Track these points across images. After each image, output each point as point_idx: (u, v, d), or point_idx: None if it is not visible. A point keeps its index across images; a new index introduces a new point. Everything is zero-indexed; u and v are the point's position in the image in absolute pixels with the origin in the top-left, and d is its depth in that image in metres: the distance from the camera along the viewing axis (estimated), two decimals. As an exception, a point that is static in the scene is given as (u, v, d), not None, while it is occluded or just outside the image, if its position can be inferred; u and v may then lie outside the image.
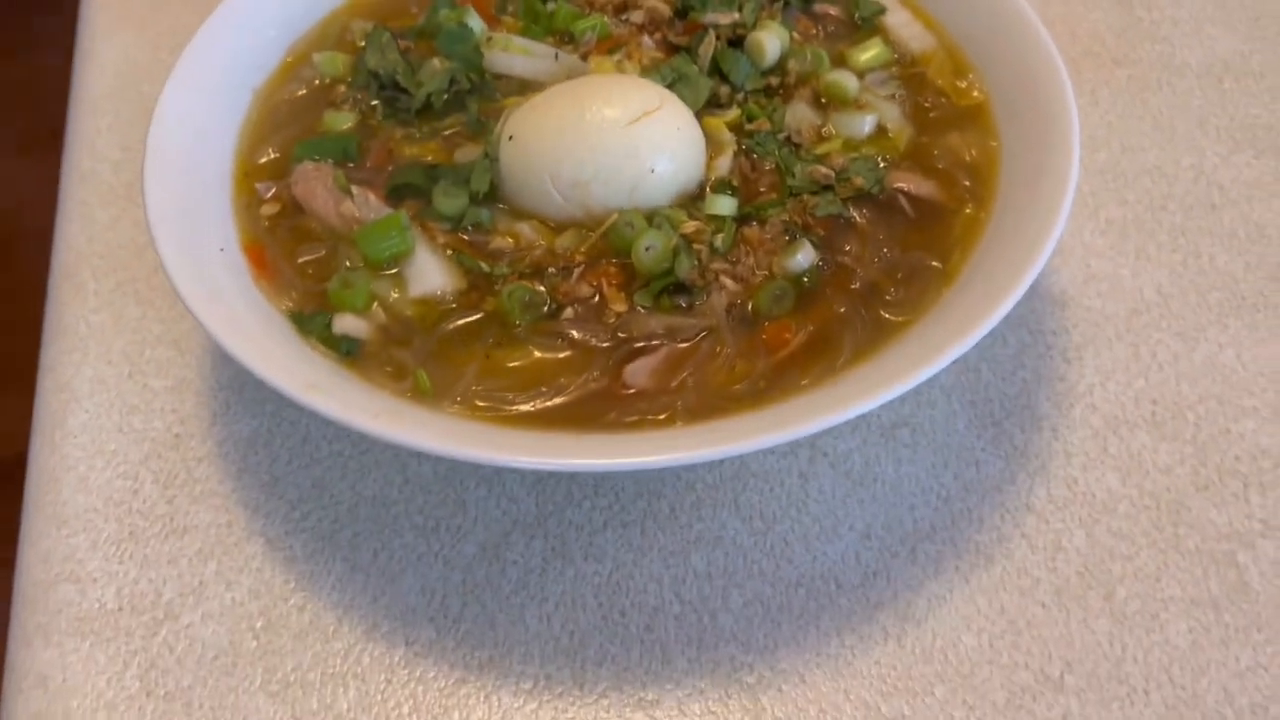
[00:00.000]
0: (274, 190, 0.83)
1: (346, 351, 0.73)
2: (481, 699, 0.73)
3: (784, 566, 0.78)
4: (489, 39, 0.88)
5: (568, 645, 0.75)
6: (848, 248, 0.78)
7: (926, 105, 0.87)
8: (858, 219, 0.79)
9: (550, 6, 0.92)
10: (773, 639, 0.75)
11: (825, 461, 0.83)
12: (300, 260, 0.79)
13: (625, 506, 0.81)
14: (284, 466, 0.84)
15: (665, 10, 0.91)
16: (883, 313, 0.75)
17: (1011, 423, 0.85)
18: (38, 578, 0.79)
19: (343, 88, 0.89)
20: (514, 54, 0.87)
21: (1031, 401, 0.86)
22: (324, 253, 0.79)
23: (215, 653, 0.75)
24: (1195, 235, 0.96)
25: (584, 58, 0.88)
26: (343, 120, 0.87)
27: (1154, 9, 1.16)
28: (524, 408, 0.70)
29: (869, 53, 0.89)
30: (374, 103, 0.88)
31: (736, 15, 0.89)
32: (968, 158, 0.82)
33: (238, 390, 0.88)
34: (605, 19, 0.90)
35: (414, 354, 0.73)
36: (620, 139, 0.76)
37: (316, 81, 0.90)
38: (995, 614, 0.75)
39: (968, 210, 0.79)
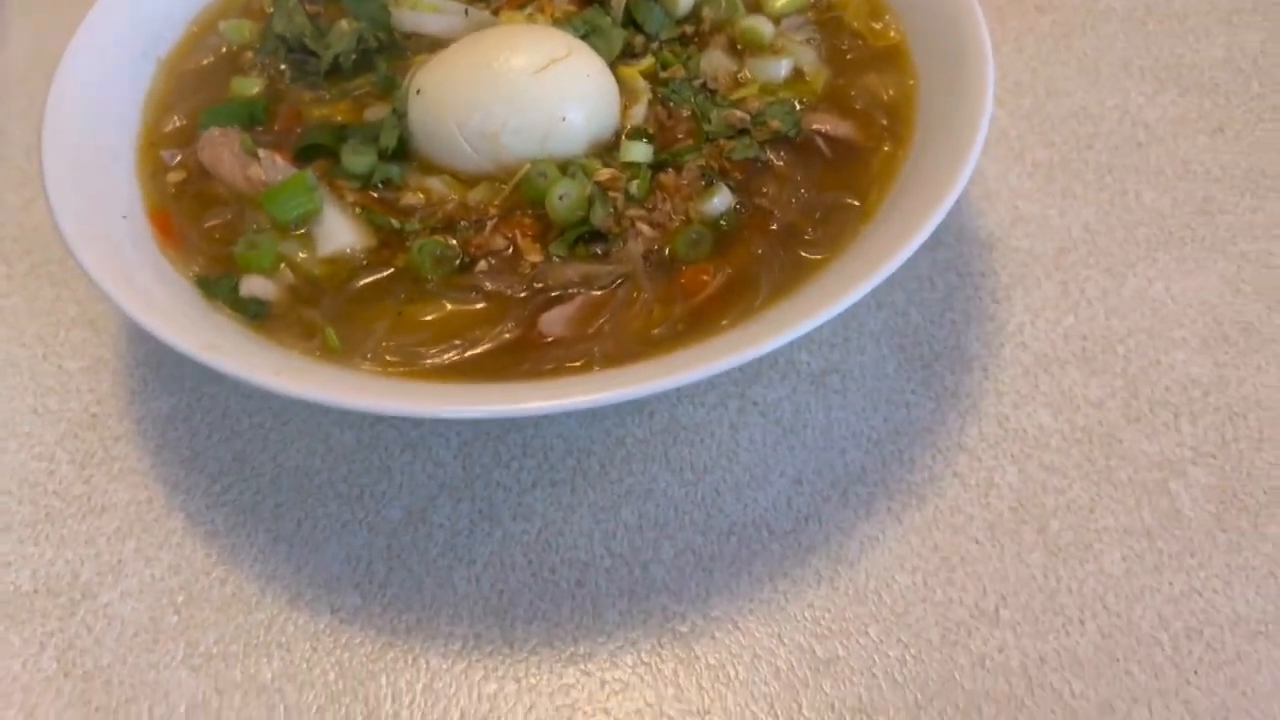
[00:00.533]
0: (179, 157, 0.81)
1: (254, 314, 0.72)
2: (409, 662, 0.71)
3: (715, 516, 0.77)
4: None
5: (497, 605, 0.74)
6: (765, 190, 0.77)
7: (843, 48, 0.86)
8: (775, 161, 0.78)
9: (460, -38, 0.91)
10: (705, 588, 0.73)
11: (755, 411, 0.82)
12: (207, 225, 0.77)
13: (554, 465, 0.79)
14: (204, 441, 0.82)
15: (577, -38, 0.90)
16: (801, 252, 0.74)
17: (941, 364, 0.84)
18: (-52, 563, 0.77)
19: (250, 54, 0.88)
20: (423, 12, 0.86)
21: (961, 343, 0.85)
22: (230, 217, 0.78)
23: (135, 629, 0.73)
24: (1122, 173, 0.96)
25: (495, 13, 0.87)
26: (250, 86, 0.85)
27: (1076, -45, 1.16)
28: (436, 361, 0.69)
29: (784, -2, 0.88)
30: (282, 67, 0.87)
31: (650, -35, 0.88)
32: (885, 97, 0.82)
33: (154, 368, 0.86)
34: (516, -27, 0.89)
35: (323, 313, 0.72)
36: (529, 87, 0.75)
37: (224, 49, 0.89)
38: (929, 552, 0.74)
39: (885, 148, 0.79)
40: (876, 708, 0.68)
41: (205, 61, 0.87)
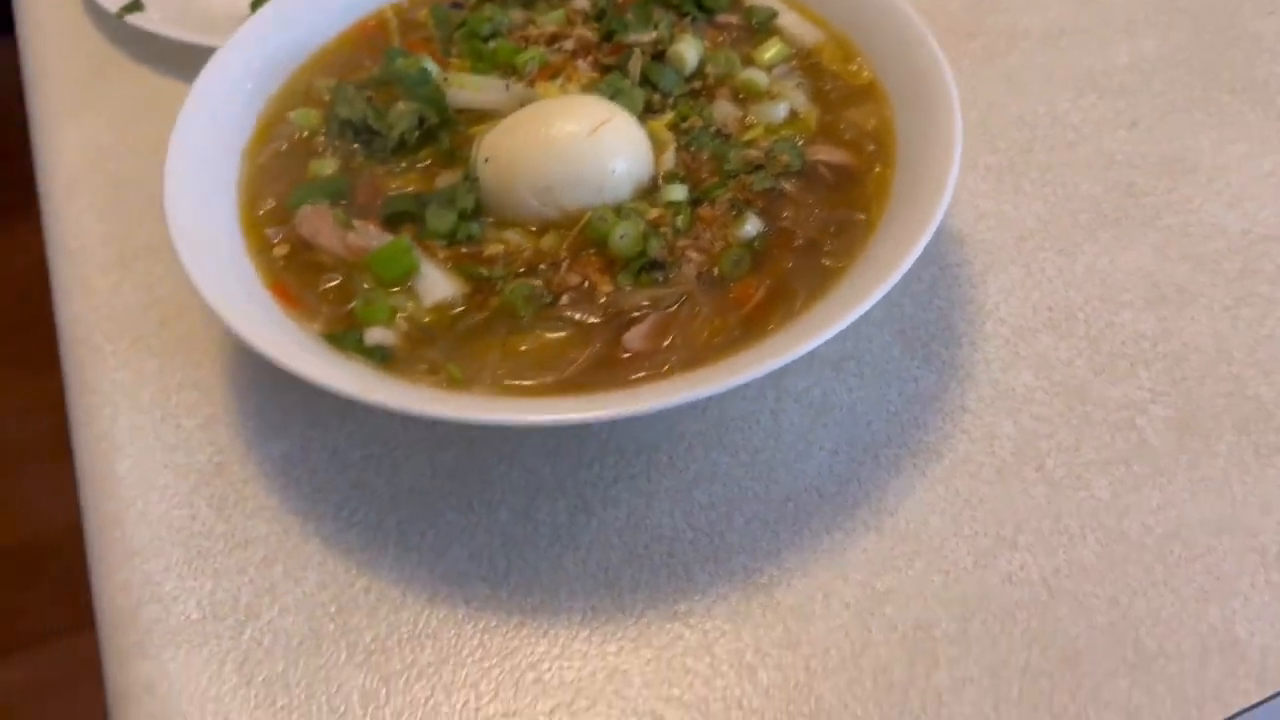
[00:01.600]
0: (281, 234, 0.94)
1: (382, 358, 0.85)
2: (541, 634, 0.85)
3: (772, 487, 0.92)
4: (445, 79, 1.00)
5: (604, 580, 0.87)
6: (785, 214, 0.92)
7: (826, 88, 1.02)
8: (789, 189, 0.94)
9: (491, 45, 1.05)
10: (775, 545, 0.88)
11: (790, 398, 0.97)
12: (321, 289, 0.90)
13: (629, 461, 0.94)
14: (322, 477, 0.94)
15: (592, 37, 1.04)
16: (823, 261, 0.89)
17: (937, 343, 1.00)
18: (121, 604, 0.88)
19: (320, 138, 1.01)
20: (470, 90, 0.99)
21: (950, 323, 1.01)
22: (340, 280, 0.91)
23: (299, 639, 0.86)
24: (1059, 169, 1.14)
25: (530, 85, 1.01)
26: (327, 166, 0.98)
27: (993, -15, 1.34)
28: (548, 380, 0.83)
29: (771, 51, 1.04)
30: (353, 147, 0.99)
31: (655, 33, 1.03)
32: (869, 126, 0.98)
33: (263, 418, 0.98)
34: (541, 50, 1.03)
35: (440, 351, 0.85)
36: (584, 148, 0.89)
37: (296, 136, 1.01)
38: (952, 496, 0.90)
39: (877, 169, 0.95)
40: (932, 622, 0.84)
41: (282, 148, 1.00)
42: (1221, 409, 0.94)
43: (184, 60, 1.24)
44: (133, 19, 1.28)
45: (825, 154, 0.96)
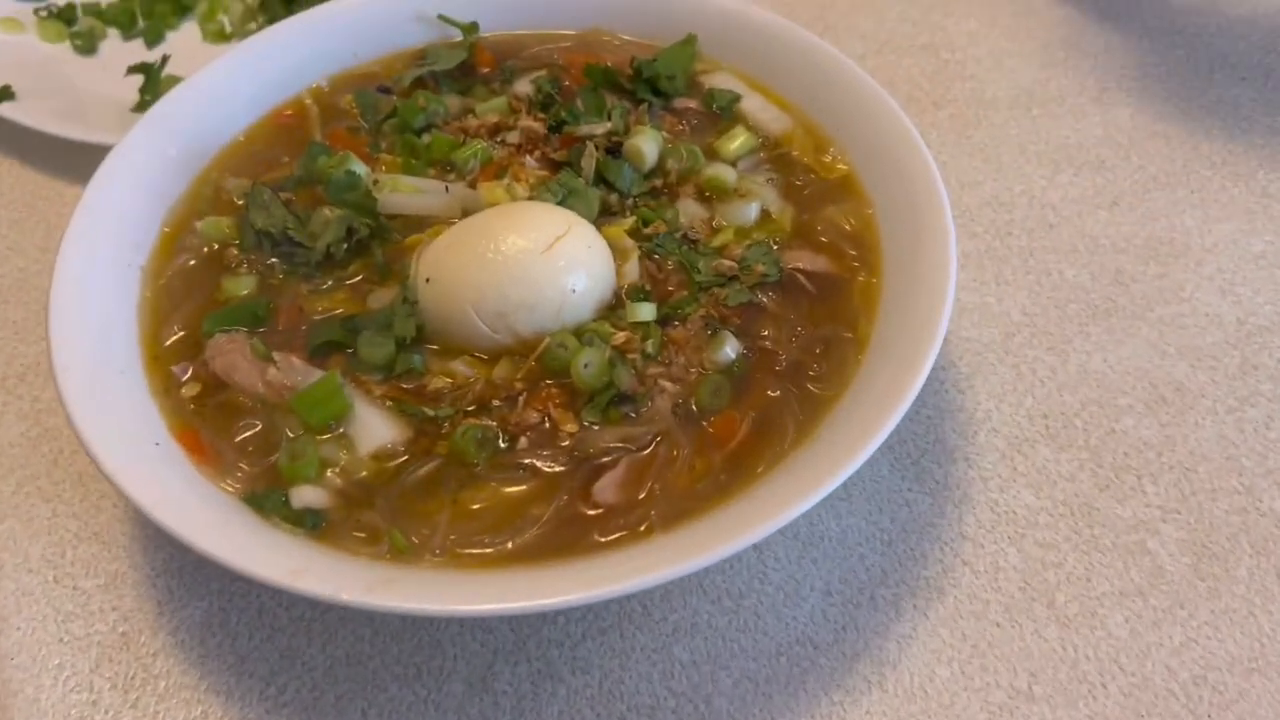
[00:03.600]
0: (190, 370, 0.81)
1: (313, 525, 0.73)
2: (508, 836, 0.74)
3: (761, 640, 0.82)
4: (375, 181, 0.89)
5: (577, 762, 0.77)
6: (765, 332, 0.83)
7: (799, 183, 0.93)
8: (767, 303, 0.84)
9: (425, 138, 0.94)
10: (768, 712, 0.78)
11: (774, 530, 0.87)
12: (238, 439, 0.78)
13: (599, 614, 0.83)
14: (246, 643, 0.82)
15: (539, 128, 0.94)
16: (811, 387, 0.80)
17: (928, 459, 0.92)
18: (8, 819, 0.75)
19: (233, 250, 0.88)
20: (405, 193, 0.88)
21: (940, 435, 0.93)
22: (260, 426, 0.79)
23: None
24: (1041, 255, 1.06)
25: (473, 185, 0.90)
26: (242, 285, 0.86)
27: (956, 50, 1.27)
28: (507, 546, 0.72)
29: (735, 141, 0.95)
30: (270, 261, 0.87)
31: (608, 124, 0.93)
32: (848, 227, 0.89)
33: (177, 575, 0.86)
34: (483, 144, 0.93)
35: (380, 513, 0.74)
36: (539, 266, 0.78)
37: (205, 249, 0.89)
38: (959, 642, 0.81)
39: (860, 278, 0.86)
40: (950, 801, 0.75)
41: (190, 263, 0.88)
42: (1237, 528, 0.87)
43: (72, 152, 1.11)
44: (3, 109, 1.14)
45: (804, 261, 0.87)
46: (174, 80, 1.14)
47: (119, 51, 1.30)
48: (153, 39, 1.32)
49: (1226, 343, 0.99)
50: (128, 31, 1.33)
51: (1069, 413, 0.94)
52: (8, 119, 1.13)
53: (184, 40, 1.32)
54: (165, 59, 1.22)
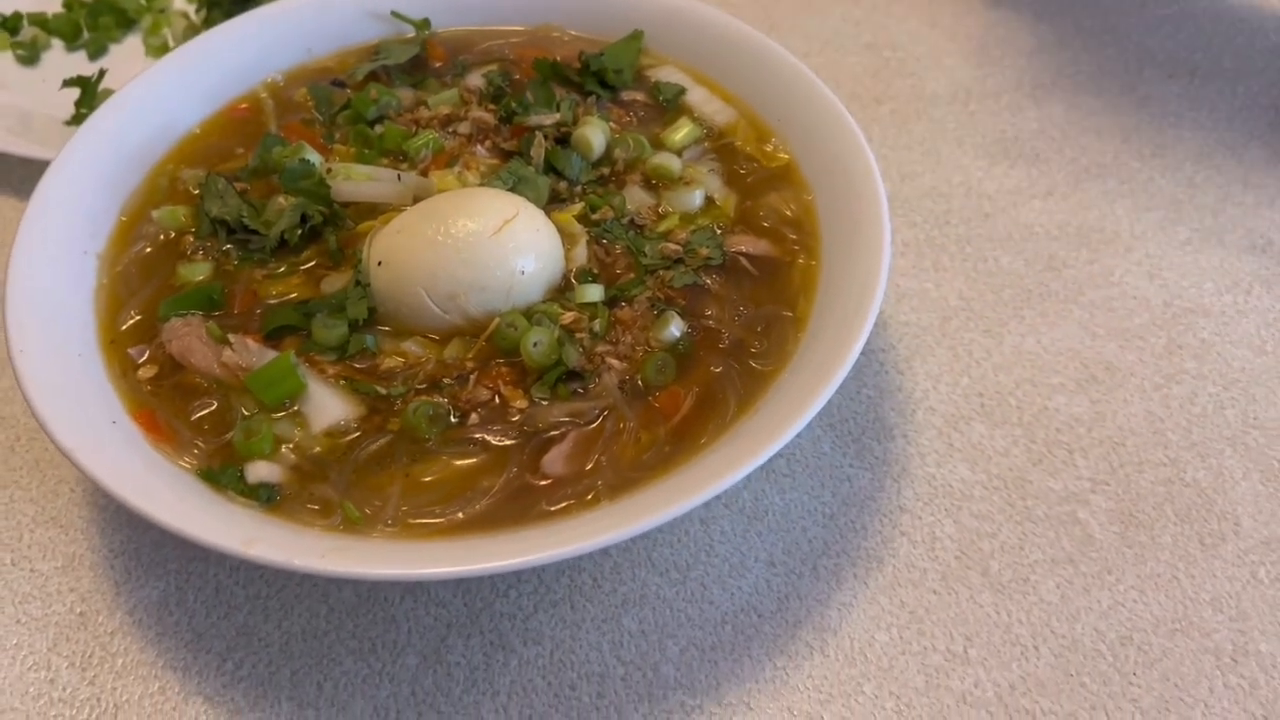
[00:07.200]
0: (147, 353, 0.83)
1: (267, 499, 0.75)
2: (461, 800, 0.76)
3: (707, 609, 0.84)
4: (328, 170, 0.91)
5: (529, 729, 0.79)
6: (709, 312, 0.86)
7: (742, 171, 0.96)
8: (711, 284, 0.87)
9: (378, 129, 0.96)
10: (713, 678, 0.81)
11: (719, 504, 0.90)
12: (194, 418, 0.80)
13: (550, 586, 0.86)
14: (204, 621, 0.84)
15: (490, 119, 0.97)
16: (752, 363, 0.83)
17: (868, 436, 0.95)
18: (-33, 794, 0.76)
19: (189, 238, 0.90)
20: (358, 181, 0.90)
21: (880, 414, 0.96)
22: (216, 405, 0.80)
23: (181, 822, 0.75)
24: (978, 243, 1.10)
25: (424, 174, 0.92)
26: (198, 271, 0.88)
27: (898, 49, 1.31)
28: (458, 516, 0.74)
29: (681, 132, 0.98)
30: (226, 248, 0.89)
31: (557, 115, 0.96)
32: (789, 213, 0.92)
33: (135, 555, 0.87)
34: (434, 134, 0.95)
35: (333, 487, 0.76)
36: (488, 249, 0.81)
37: (161, 237, 0.90)
38: (897, 609, 0.85)
39: (800, 261, 0.89)
40: (888, 757, 0.78)
41: (146, 251, 0.89)
42: (1163, 497, 0.91)
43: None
44: None
45: (747, 245, 0.90)
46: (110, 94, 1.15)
47: (62, 63, 1.30)
48: (95, 51, 1.32)
49: (1153, 324, 1.03)
50: (72, 43, 1.32)
51: (1003, 391, 0.98)
52: None
53: (126, 53, 1.32)
54: (102, 73, 1.22)
